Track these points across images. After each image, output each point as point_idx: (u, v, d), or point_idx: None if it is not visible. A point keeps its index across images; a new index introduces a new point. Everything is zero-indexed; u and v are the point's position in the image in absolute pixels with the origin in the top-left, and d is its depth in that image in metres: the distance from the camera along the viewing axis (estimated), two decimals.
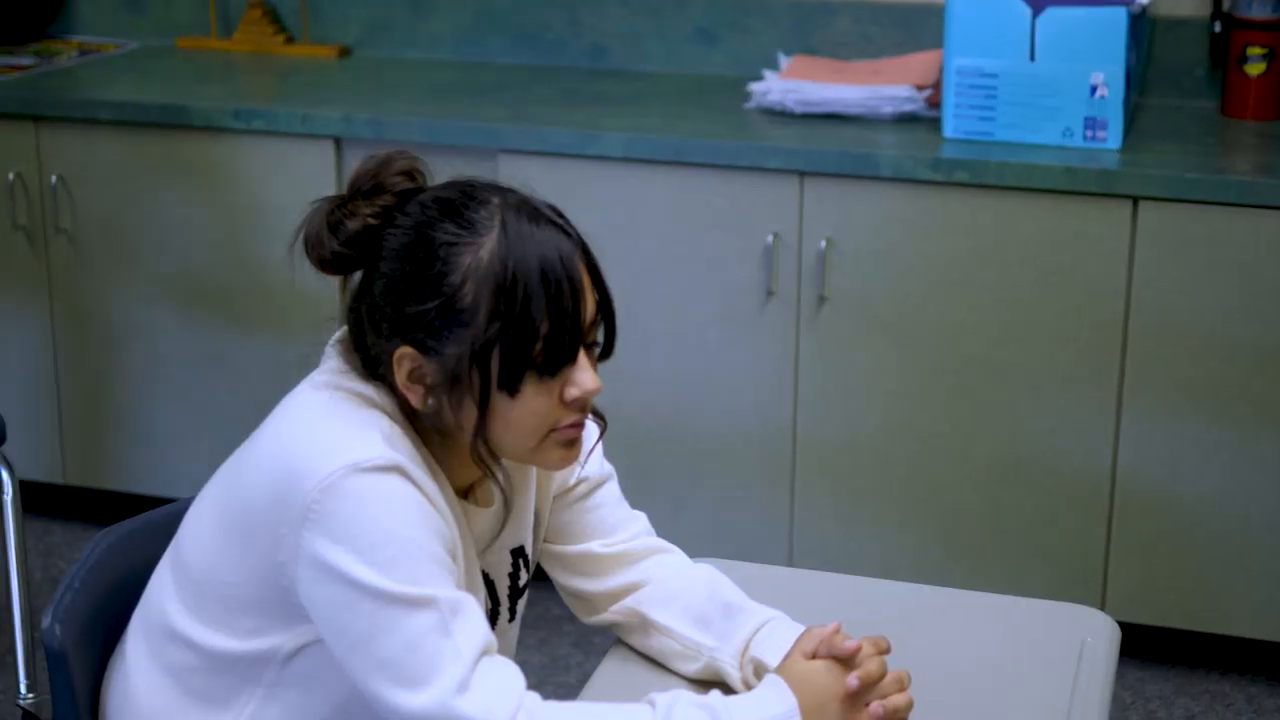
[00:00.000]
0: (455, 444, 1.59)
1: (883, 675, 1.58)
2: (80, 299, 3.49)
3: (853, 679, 1.56)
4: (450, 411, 1.56)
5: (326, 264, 1.60)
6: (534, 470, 1.72)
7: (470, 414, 1.55)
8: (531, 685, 1.53)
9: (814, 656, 1.59)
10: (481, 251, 1.52)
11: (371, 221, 1.57)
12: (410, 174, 1.60)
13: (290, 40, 3.81)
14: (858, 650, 1.58)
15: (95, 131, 3.39)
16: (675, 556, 1.79)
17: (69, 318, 3.50)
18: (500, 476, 1.60)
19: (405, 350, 1.55)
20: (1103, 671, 1.76)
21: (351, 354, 1.61)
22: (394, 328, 1.55)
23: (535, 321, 1.52)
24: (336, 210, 1.59)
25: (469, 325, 1.52)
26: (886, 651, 1.61)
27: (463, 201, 1.56)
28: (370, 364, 1.59)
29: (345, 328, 1.63)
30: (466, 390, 1.54)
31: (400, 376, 1.56)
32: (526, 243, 1.53)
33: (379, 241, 1.57)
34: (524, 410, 1.55)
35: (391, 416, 1.57)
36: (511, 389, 1.54)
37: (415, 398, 1.56)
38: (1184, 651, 3.15)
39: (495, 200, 1.56)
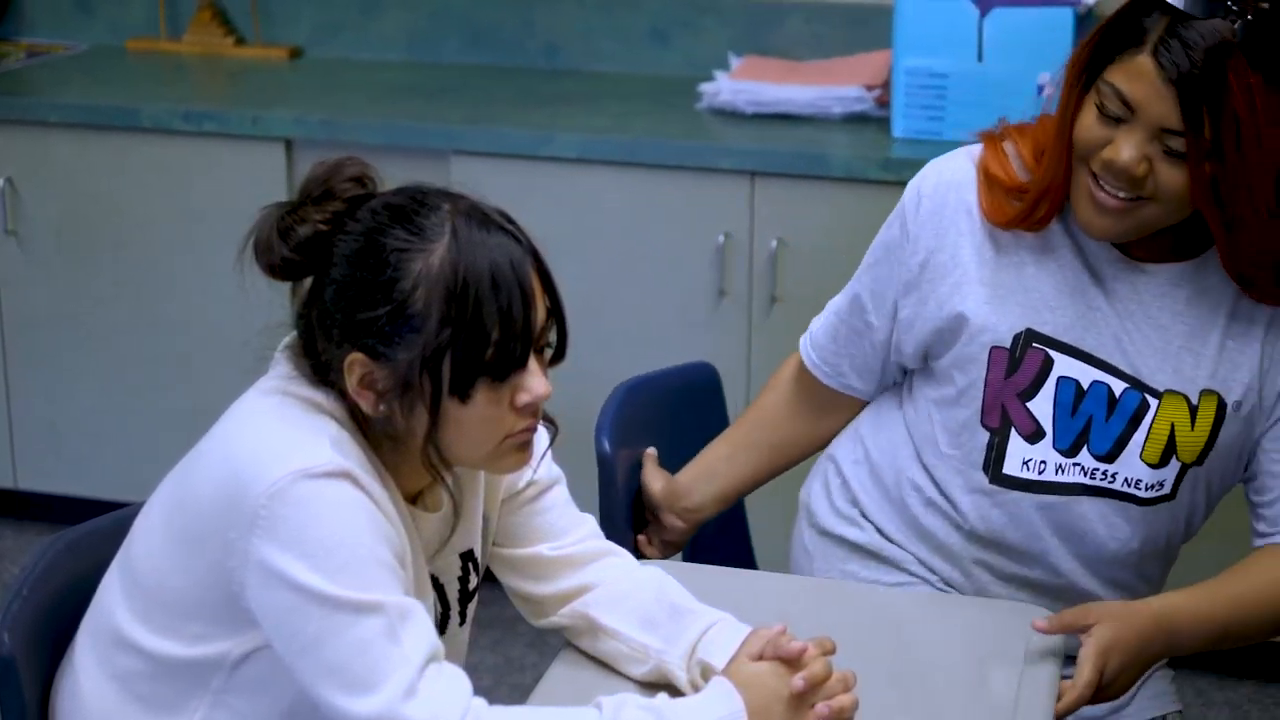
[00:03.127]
0: (406, 450, 1.59)
1: (828, 676, 1.60)
2: (30, 302, 3.47)
3: (798, 680, 1.58)
4: (402, 417, 1.56)
5: (276, 270, 1.60)
6: (482, 474, 1.73)
7: (422, 420, 1.55)
8: (486, 686, 1.54)
9: (760, 658, 1.61)
10: (432, 258, 1.53)
11: (322, 227, 1.57)
12: (360, 180, 1.60)
13: (241, 41, 3.80)
14: (803, 651, 1.60)
15: (45, 134, 3.37)
16: (623, 559, 1.80)
17: (19, 320, 3.48)
18: (449, 482, 1.61)
19: (356, 356, 1.55)
20: (1048, 669, 1.77)
21: (301, 360, 1.61)
22: (344, 334, 1.56)
23: (486, 327, 1.52)
24: (286, 216, 1.58)
25: (420, 331, 1.52)
26: (831, 652, 1.63)
27: (413, 208, 1.56)
28: (320, 370, 1.59)
29: (295, 333, 1.64)
30: (418, 396, 1.54)
31: (351, 382, 1.56)
32: (477, 249, 1.53)
33: (329, 248, 1.57)
34: (475, 416, 1.56)
35: (340, 422, 1.57)
36: (463, 395, 1.54)
37: (366, 404, 1.56)
38: None
39: (445, 206, 1.56)
